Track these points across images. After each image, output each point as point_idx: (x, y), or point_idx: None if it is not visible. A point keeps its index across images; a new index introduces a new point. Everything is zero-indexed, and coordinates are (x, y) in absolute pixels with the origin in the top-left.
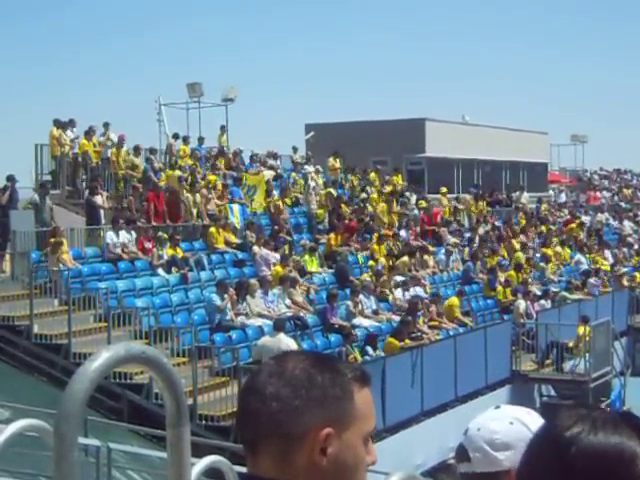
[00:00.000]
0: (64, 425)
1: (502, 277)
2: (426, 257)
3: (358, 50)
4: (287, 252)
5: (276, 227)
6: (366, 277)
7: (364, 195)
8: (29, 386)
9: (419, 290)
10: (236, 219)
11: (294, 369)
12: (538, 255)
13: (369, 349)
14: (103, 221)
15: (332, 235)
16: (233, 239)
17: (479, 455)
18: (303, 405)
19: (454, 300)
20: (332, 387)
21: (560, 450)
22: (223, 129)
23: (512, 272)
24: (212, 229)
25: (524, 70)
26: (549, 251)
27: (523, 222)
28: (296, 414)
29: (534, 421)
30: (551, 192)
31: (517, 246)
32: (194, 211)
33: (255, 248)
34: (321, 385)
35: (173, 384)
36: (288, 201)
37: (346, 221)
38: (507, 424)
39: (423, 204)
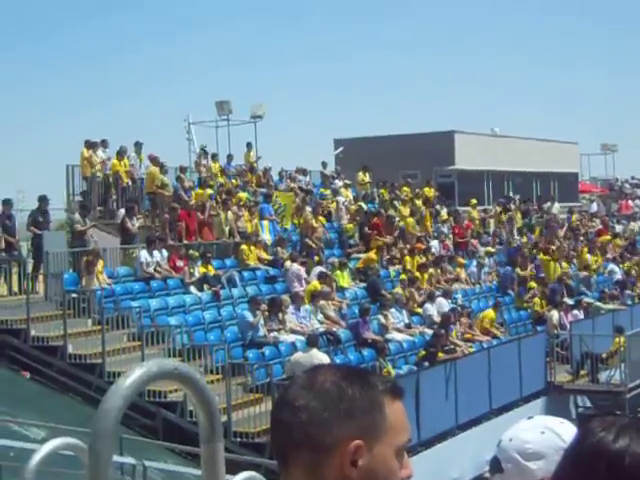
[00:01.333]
0: (99, 443)
1: (536, 289)
2: (458, 270)
3: (386, 63)
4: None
5: (308, 242)
6: (398, 290)
7: (392, 211)
8: (64, 406)
9: (444, 302)
10: (267, 236)
11: (324, 382)
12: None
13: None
14: (137, 241)
15: (370, 254)
16: (265, 255)
17: (511, 466)
18: (332, 417)
19: (490, 313)
20: (362, 399)
21: (611, 462)
22: (250, 146)
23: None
24: (243, 246)
25: (553, 80)
26: (586, 257)
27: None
28: (325, 426)
29: (566, 430)
30: (585, 202)
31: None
32: (226, 229)
33: (287, 264)
34: (351, 397)
35: (206, 400)
36: (322, 219)
37: (377, 235)
38: (539, 433)
39: (445, 216)
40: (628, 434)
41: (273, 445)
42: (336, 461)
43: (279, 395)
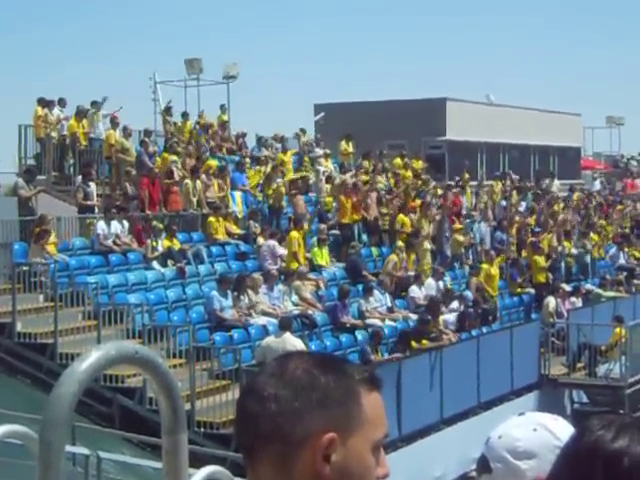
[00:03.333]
0: (50, 432)
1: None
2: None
3: (372, 23)
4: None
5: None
6: (392, 257)
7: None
8: (11, 389)
9: (433, 285)
10: (239, 208)
11: (295, 369)
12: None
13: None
14: (96, 210)
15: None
16: (235, 229)
17: (500, 465)
18: (303, 407)
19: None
20: (336, 389)
21: (609, 462)
22: (223, 108)
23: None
24: (211, 218)
25: (555, 45)
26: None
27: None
28: (296, 417)
29: (560, 428)
30: (588, 179)
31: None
32: (194, 199)
33: (260, 239)
34: (324, 386)
35: (169, 387)
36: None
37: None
38: (530, 431)
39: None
40: (628, 433)
41: (238, 437)
42: (307, 455)
43: (246, 383)
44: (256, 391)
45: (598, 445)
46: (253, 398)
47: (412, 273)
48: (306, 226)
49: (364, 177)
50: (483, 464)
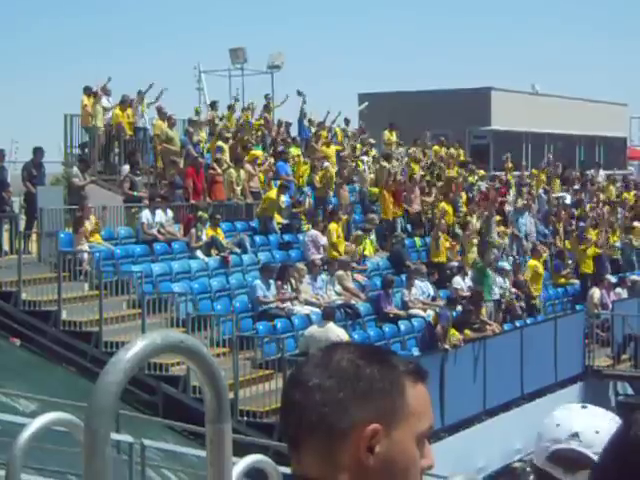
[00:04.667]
0: (96, 420)
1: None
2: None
3: (418, 12)
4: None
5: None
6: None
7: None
8: (57, 377)
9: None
10: (282, 197)
11: (341, 360)
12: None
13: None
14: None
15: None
16: (279, 219)
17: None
18: (348, 398)
19: (532, 262)
20: (381, 380)
21: (626, 448)
22: (268, 98)
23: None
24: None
25: (601, 34)
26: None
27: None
28: (340, 407)
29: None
30: (631, 169)
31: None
32: (237, 189)
33: (306, 229)
34: (369, 377)
35: (214, 376)
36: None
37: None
38: (614, 424)
39: (482, 173)
40: None
41: (283, 427)
42: (352, 446)
43: (291, 373)
44: (301, 381)
45: None
46: (298, 388)
47: (455, 263)
48: (344, 217)
49: (413, 166)
50: (582, 460)
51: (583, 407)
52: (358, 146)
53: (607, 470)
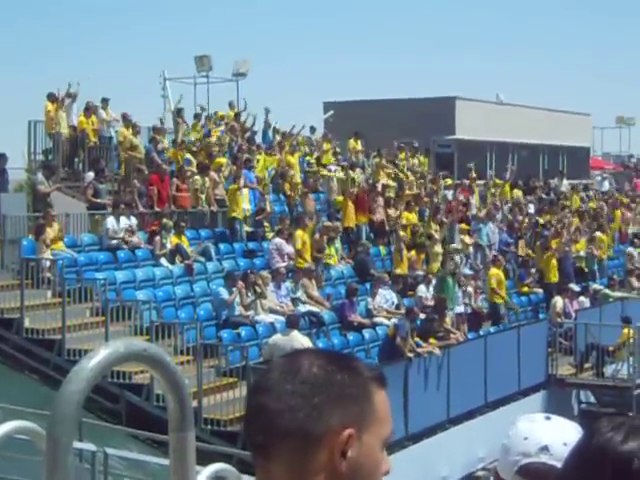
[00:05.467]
0: (58, 428)
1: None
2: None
3: (382, 21)
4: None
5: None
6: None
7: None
8: (19, 385)
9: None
10: (247, 205)
11: (311, 366)
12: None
13: None
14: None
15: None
16: (244, 227)
17: None
18: (322, 403)
19: (495, 271)
20: (351, 386)
21: (618, 465)
22: (232, 106)
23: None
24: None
25: (565, 45)
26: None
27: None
28: (316, 412)
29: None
30: (598, 178)
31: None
32: (202, 196)
33: (270, 237)
34: (340, 383)
35: (177, 385)
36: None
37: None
38: (579, 435)
39: (449, 182)
40: (638, 436)
41: (250, 435)
42: (325, 452)
43: (257, 380)
44: (270, 387)
45: (608, 447)
46: (268, 394)
47: (421, 273)
48: (311, 224)
49: (378, 176)
50: (551, 472)
51: (547, 418)
52: (327, 153)
53: (569, 478)
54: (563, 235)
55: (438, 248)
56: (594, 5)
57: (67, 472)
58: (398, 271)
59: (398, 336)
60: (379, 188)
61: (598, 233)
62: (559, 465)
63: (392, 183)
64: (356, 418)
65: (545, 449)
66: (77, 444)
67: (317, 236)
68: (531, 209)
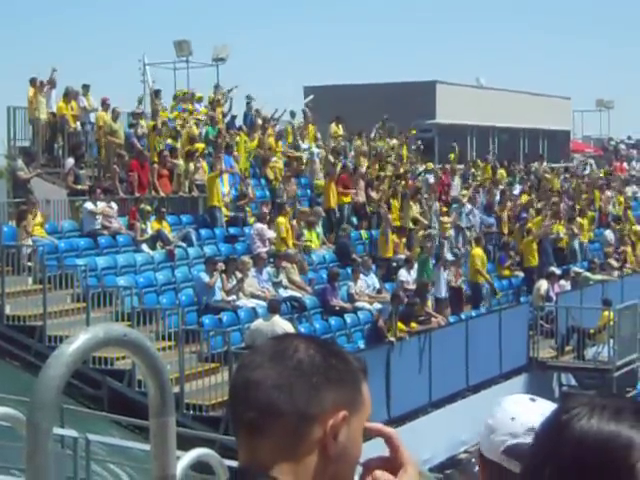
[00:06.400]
0: (38, 414)
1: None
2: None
3: (362, 6)
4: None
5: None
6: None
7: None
8: (0, 371)
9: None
10: (226, 189)
11: (307, 349)
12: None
13: None
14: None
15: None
16: (224, 212)
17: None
18: (321, 383)
19: (478, 251)
20: (345, 371)
21: (553, 434)
22: (218, 88)
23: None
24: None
25: (545, 28)
26: (583, 221)
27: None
28: (313, 392)
29: None
30: (575, 162)
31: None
32: (186, 182)
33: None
34: (336, 367)
35: (157, 370)
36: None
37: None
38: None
39: (430, 166)
40: (602, 413)
41: (238, 412)
42: (317, 432)
43: (246, 358)
44: (266, 365)
45: (570, 423)
46: (264, 371)
47: (402, 257)
48: (289, 209)
49: (360, 159)
50: (520, 450)
51: (532, 400)
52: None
53: (534, 455)
54: (545, 218)
55: (423, 232)
56: None
57: (47, 458)
58: (384, 255)
59: (381, 319)
60: (361, 170)
61: (578, 218)
62: None
63: (372, 166)
64: (349, 402)
65: (532, 430)
66: (59, 430)
67: (294, 222)
68: (516, 190)
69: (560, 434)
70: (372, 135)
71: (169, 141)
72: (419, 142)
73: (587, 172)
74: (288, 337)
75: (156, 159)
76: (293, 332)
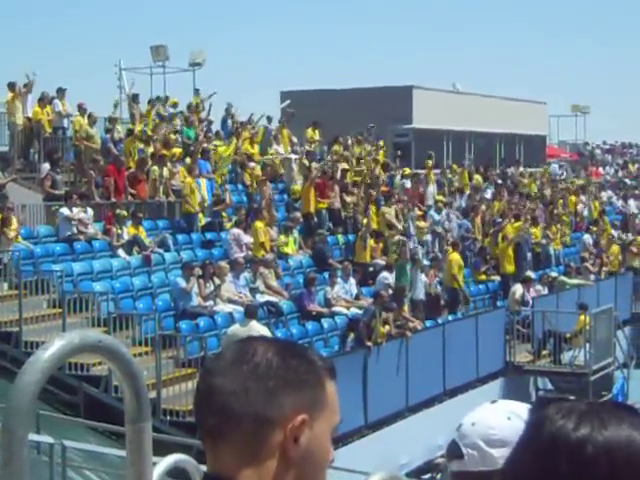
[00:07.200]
0: (14, 420)
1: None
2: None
3: (339, 10)
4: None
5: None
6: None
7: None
8: None
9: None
10: (204, 195)
11: (266, 351)
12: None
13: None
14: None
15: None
16: (201, 218)
17: (473, 452)
18: (278, 387)
19: (455, 256)
20: (306, 372)
21: (573, 452)
22: (198, 92)
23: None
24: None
25: (521, 34)
26: (554, 229)
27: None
28: (270, 396)
29: None
30: (555, 166)
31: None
32: (161, 187)
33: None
34: (295, 369)
35: (132, 375)
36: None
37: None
38: (505, 419)
39: (407, 171)
40: (589, 421)
41: (201, 418)
42: (277, 436)
43: (208, 364)
44: (224, 371)
45: (561, 435)
46: (223, 377)
47: (381, 262)
48: (266, 214)
49: (343, 165)
50: (454, 450)
51: (493, 402)
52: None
53: (522, 468)
54: (521, 222)
55: (398, 237)
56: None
57: (22, 464)
58: (361, 259)
59: (362, 321)
60: (337, 175)
61: (554, 223)
62: (460, 443)
63: (350, 170)
64: (310, 404)
65: (459, 427)
66: (35, 437)
67: (269, 229)
68: (488, 194)
69: (550, 448)
70: (349, 141)
71: (141, 146)
72: (398, 152)
73: (556, 173)
74: (249, 340)
75: (132, 164)
76: (257, 335)
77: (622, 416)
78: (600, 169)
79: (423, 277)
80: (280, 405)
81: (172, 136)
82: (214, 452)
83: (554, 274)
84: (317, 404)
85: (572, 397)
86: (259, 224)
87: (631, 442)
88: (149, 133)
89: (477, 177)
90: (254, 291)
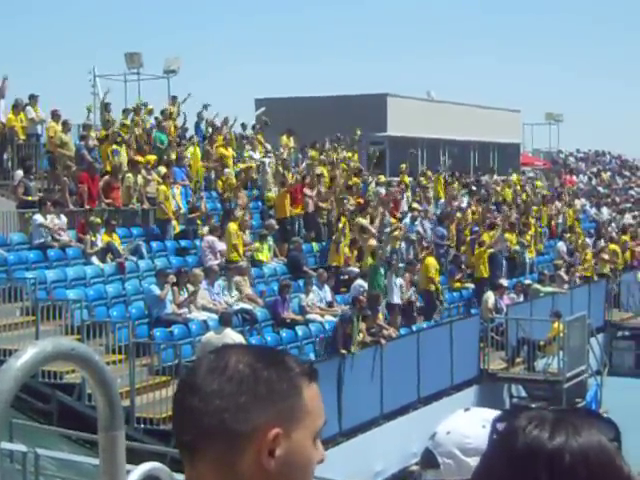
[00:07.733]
0: None
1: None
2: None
3: (314, 18)
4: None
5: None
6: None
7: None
8: None
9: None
10: (178, 203)
11: (237, 363)
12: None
13: None
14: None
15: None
16: (175, 225)
17: (449, 461)
18: (249, 402)
19: (431, 260)
20: (279, 383)
21: (551, 461)
22: (175, 99)
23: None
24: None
25: (495, 42)
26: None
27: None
28: (241, 412)
29: None
30: (531, 175)
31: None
32: (134, 194)
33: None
34: (267, 381)
35: (106, 384)
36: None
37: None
38: (479, 427)
39: (382, 179)
40: (563, 429)
41: (178, 434)
42: (252, 451)
43: (183, 379)
44: (196, 386)
45: (536, 445)
46: (194, 394)
47: (355, 269)
48: (240, 214)
49: (321, 169)
50: (430, 459)
51: (466, 410)
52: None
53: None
54: (495, 231)
55: (372, 242)
56: (521, 4)
57: None
58: (333, 262)
59: (339, 328)
60: (312, 181)
61: (527, 230)
62: (435, 452)
63: (326, 175)
64: (284, 415)
65: (433, 435)
66: (8, 445)
67: (242, 233)
68: (464, 203)
69: (528, 459)
70: (326, 146)
71: (114, 146)
72: (374, 160)
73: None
74: (223, 351)
75: (109, 168)
76: (232, 343)
77: (591, 421)
78: (574, 177)
79: (399, 281)
80: (253, 421)
81: (144, 135)
82: (191, 464)
83: (528, 282)
84: (293, 413)
85: (538, 405)
86: (232, 226)
87: (603, 447)
88: (123, 134)
89: (453, 184)
90: (228, 298)
